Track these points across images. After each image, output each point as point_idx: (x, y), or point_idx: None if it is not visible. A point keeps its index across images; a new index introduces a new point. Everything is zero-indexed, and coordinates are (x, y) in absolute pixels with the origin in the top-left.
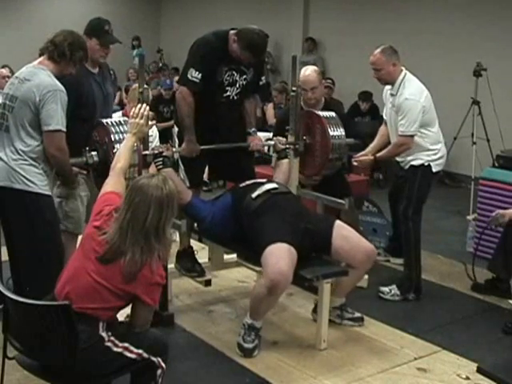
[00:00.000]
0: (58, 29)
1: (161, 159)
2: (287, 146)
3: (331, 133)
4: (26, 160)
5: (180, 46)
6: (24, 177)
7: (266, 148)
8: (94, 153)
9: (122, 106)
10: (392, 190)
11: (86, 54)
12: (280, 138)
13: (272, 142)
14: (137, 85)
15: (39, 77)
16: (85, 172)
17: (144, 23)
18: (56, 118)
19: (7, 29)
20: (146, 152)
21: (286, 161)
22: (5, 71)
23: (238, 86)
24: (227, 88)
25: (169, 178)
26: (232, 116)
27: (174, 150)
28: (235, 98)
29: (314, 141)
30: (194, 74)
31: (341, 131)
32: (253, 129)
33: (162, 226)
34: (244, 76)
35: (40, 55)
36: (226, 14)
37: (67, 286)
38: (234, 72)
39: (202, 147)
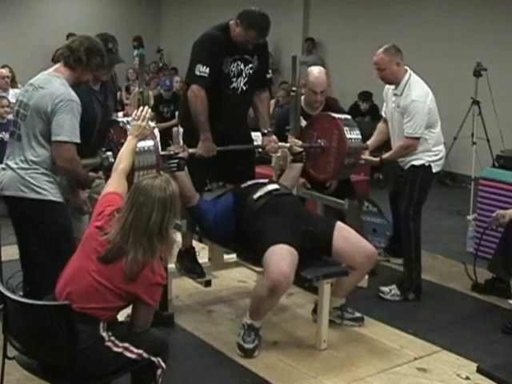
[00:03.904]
0: (59, 29)
1: (176, 161)
2: (303, 149)
3: (348, 136)
4: (36, 169)
5: (180, 46)
6: (35, 185)
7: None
8: (109, 153)
9: (122, 106)
10: (392, 190)
11: (103, 60)
12: (296, 140)
13: (288, 144)
14: (137, 89)
15: (53, 85)
16: (102, 176)
17: (144, 23)
18: (66, 129)
19: (8, 29)
20: (164, 152)
21: (299, 165)
22: (5, 71)
23: (244, 75)
24: (233, 79)
25: (181, 181)
26: (239, 111)
27: (190, 151)
28: (244, 88)
29: (330, 145)
30: (202, 69)
31: (357, 134)
32: (268, 129)
33: (165, 226)
34: (250, 65)
35: (55, 63)
36: (225, 15)
37: (68, 286)
38: (238, 62)
39: (218, 148)
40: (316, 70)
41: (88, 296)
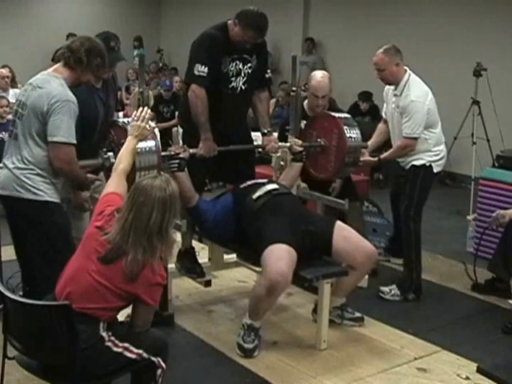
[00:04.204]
0: (59, 29)
1: (177, 161)
2: (303, 148)
3: (348, 135)
4: (32, 170)
5: (180, 46)
6: (30, 185)
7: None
8: (110, 154)
9: (122, 106)
10: (393, 190)
11: (103, 61)
12: (296, 140)
13: (287, 144)
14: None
15: (51, 85)
16: (102, 179)
17: (144, 23)
18: (63, 130)
19: (8, 29)
20: (165, 153)
21: (299, 164)
22: (5, 71)
23: (243, 74)
24: (232, 79)
25: (181, 181)
26: (239, 110)
27: (191, 151)
28: (243, 87)
29: (330, 144)
30: (201, 69)
31: (356, 132)
32: (268, 129)
33: (165, 226)
34: (249, 64)
35: (56, 63)
36: (225, 15)
37: (68, 286)
38: (237, 61)
39: (219, 148)
40: (319, 75)
41: (88, 296)
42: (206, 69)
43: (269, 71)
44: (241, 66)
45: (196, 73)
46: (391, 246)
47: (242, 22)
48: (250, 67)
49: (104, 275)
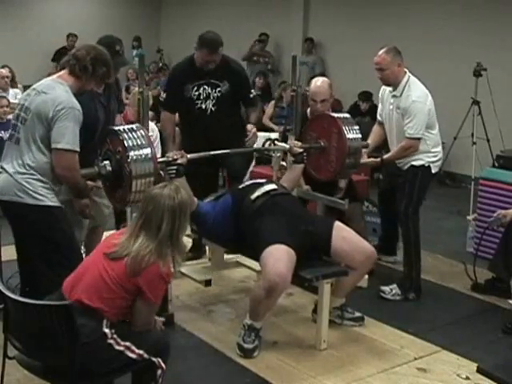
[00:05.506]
0: (59, 29)
1: (175, 168)
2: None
3: (347, 134)
4: (33, 175)
5: (180, 46)
6: (31, 190)
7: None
8: (106, 162)
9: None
10: (384, 189)
11: (108, 70)
12: (296, 142)
13: (287, 146)
14: (137, 89)
15: (56, 91)
16: (101, 186)
17: (144, 23)
18: (67, 137)
19: (8, 30)
20: (162, 159)
21: (300, 166)
22: (5, 71)
23: (212, 98)
24: (197, 102)
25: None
26: (213, 128)
27: (188, 156)
28: (213, 109)
29: (330, 145)
30: (163, 96)
31: (356, 132)
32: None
33: (175, 233)
34: (218, 88)
35: (61, 69)
36: (225, 15)
37: (76, 280)
38: (205, 86)
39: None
40: (319, 80)
41: (93, 287)
42: (165, 95)
43: (252, 92)
44: (209, 91)
45: (161, 99)
46: (382, 245)
47: (197, 44)
48: (219, 91)
49: (111, 267)
